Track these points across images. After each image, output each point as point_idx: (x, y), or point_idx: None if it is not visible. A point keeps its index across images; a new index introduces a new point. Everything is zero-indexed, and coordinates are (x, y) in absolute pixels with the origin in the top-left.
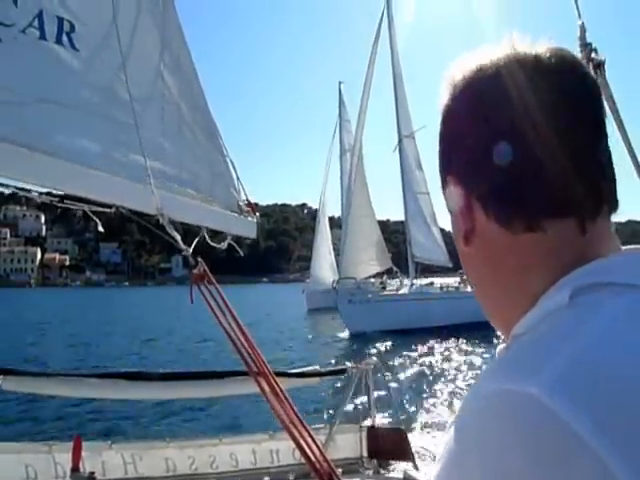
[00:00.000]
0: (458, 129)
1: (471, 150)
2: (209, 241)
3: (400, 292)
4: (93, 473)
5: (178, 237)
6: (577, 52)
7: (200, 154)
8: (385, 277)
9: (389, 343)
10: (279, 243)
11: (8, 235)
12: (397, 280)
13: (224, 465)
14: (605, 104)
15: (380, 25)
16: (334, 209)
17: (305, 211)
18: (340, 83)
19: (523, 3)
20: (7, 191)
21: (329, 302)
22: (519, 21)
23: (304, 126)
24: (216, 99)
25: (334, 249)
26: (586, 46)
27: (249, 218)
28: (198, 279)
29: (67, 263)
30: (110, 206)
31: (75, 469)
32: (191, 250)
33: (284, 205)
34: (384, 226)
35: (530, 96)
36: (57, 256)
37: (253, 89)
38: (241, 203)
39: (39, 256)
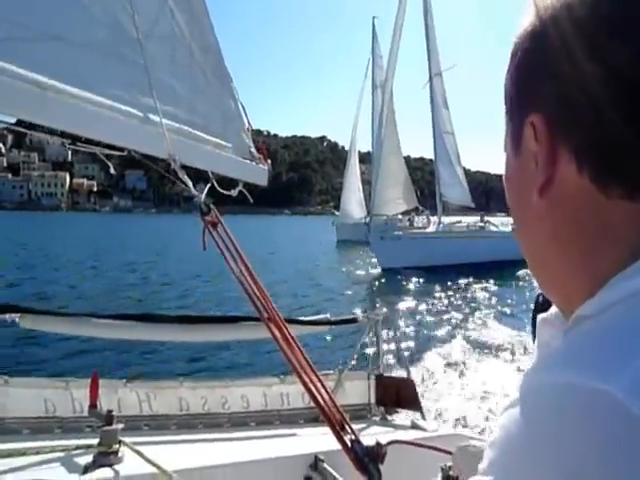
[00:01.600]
0: (560, 57)
1: (578, 89)
2: (218, 188)
3: (429, 230)
4: (111, 411)
5: (190, 183)
6: None
7: (212, 98)
8: (413, 214)
9: (418, 279)
10: (301, 175)
11: (36, 160)
12: (423, 218)
13: (235, 406)
14: None
15: None
16: (362, 144)
17: (325, 143)
18: (374, 18)
19: None
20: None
21: (358, 235)
22: None
23: (327, 59)
24: (246, 27)
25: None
26: None
27: (260, 165)
28: (211, 225)
29: (95, 189)
30: (122, 149)
31: (93, 405)
32: (203, 196)
33: (303, 137)
34: (406, 163)
35: None
36: (85, 181)
37: (283, 18)
38: (252, 150)
39: (68, 181)
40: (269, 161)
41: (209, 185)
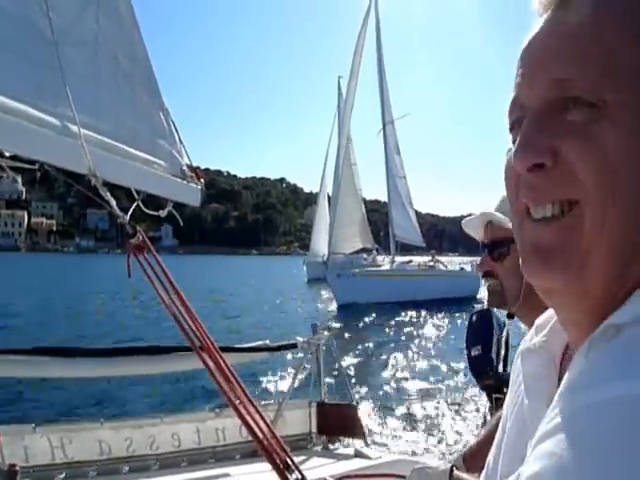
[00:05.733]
0: None
1: None
2: (144, 208)
3: (383, 268)
4: (14, 465)
5: (113, 202)
6: None
7: (139, 110)
8: (375, 253)
9: (369, 314)
10: (266, 217)
11: None
12: (383, 257)
13: (165, 445)
14: None
15: (367, 14)
16: (330, 189)
17: (284, 185)
18: (339, 77)
19: None
20: None
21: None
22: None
23: (290, 102)
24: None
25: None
26: None
27: (192, 184)
28: (136, 249)
29: (54, 228)
30: (33, 162)
31: None
32: (128, 217)
33: (263, 178)
34: (364, 205)
35: None
36: (44, 221)
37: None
38: (184, 168)
39: (26, 220)
40: (202, 181)
41: (135, 205)
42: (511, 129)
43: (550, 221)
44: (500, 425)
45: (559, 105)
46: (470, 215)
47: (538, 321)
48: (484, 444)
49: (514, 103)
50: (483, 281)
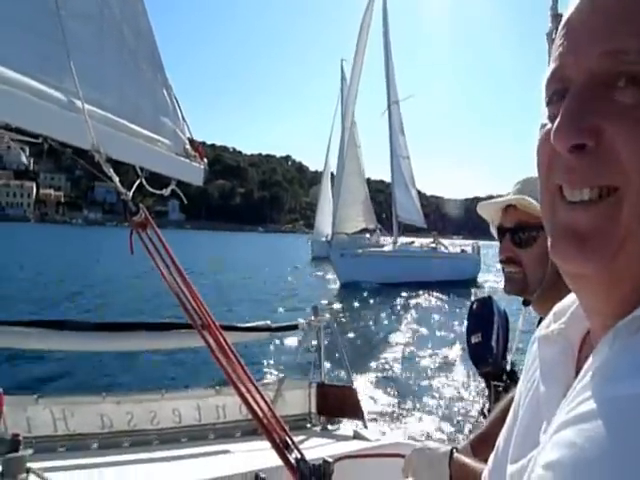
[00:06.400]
0: None
1: None
2: (147, 186)
3: (385, 249)
4: (17, 435)
5: (116, 178)
6: (547, 22)
7: (143, 86)
8: (378, 233)
9: (371, 294)
10: (272, 194)
11: None
12: (386, 237)
13: (166, 421)
14: None
15: None
16: (334, 169)
17: (289, 163)
18: (342, 60)
19: None
20: None
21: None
22: None
23: (294, 81)
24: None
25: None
26: (557, 17)
27: (195, 163)
28: (139, 226)
29: (62, 200)
30: (37, 136)
31: None
32: (130, 194)
33: (269, 156)
34: (368, 185)
35: None
36: (52, 192)
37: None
38: (187, 146)
39: (35, 191)
40: (205, 160)
41: (138, 182)
42: (548, 103)
43: (587, 205)
44: (512, 409)
45: (609, 80)
46: (477, 198)
47: (556, 308)
48: (492, 430)
49: (554, 75)
50: (502, 267)
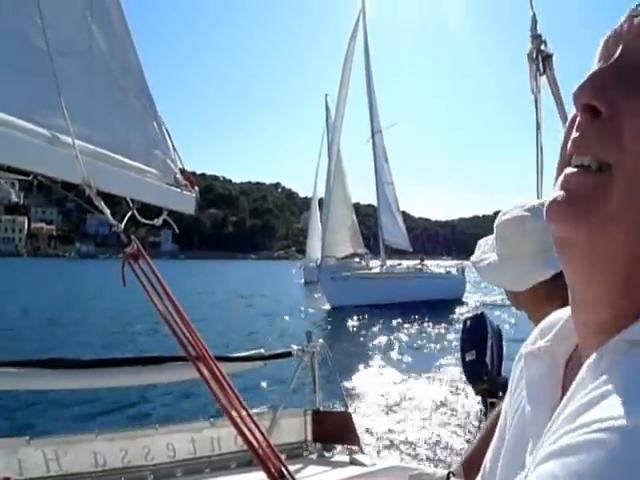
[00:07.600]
0: None
1: None
2: (138, 217)
3: (373, 271)
4: (9, 479)
5: (107, 211)
6: (527, 43)
7: (133, 120)
8: (367, 257)
9: (360, 316)
10: (264, 221)
11: None
12: (377, 261)
13: (160, 456)
14: (552, 97)
15: (356, 25)
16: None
17: (279, 190)
18: (326, 95)
19: None
20: None
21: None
22: (477, 11)
23: (281, 109)
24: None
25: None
26: (536, 37)
27: (186, 192)
28: (131, 258)
29: (54, 233)
30: (27, 173)
31: None
32: (122, 225)
33: (258, 183)
34: (357, 210)
35: None
36: (44, 226)
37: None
38: (178, 176)
39: (26, 225)
40: (196, 188)
41: (130, 214)
42: (598, 61)
43: (585, 170)
44: (498, 428)
45: None
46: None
47: (542, 324)
48: (482, 451)
49: (609, 39)
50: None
